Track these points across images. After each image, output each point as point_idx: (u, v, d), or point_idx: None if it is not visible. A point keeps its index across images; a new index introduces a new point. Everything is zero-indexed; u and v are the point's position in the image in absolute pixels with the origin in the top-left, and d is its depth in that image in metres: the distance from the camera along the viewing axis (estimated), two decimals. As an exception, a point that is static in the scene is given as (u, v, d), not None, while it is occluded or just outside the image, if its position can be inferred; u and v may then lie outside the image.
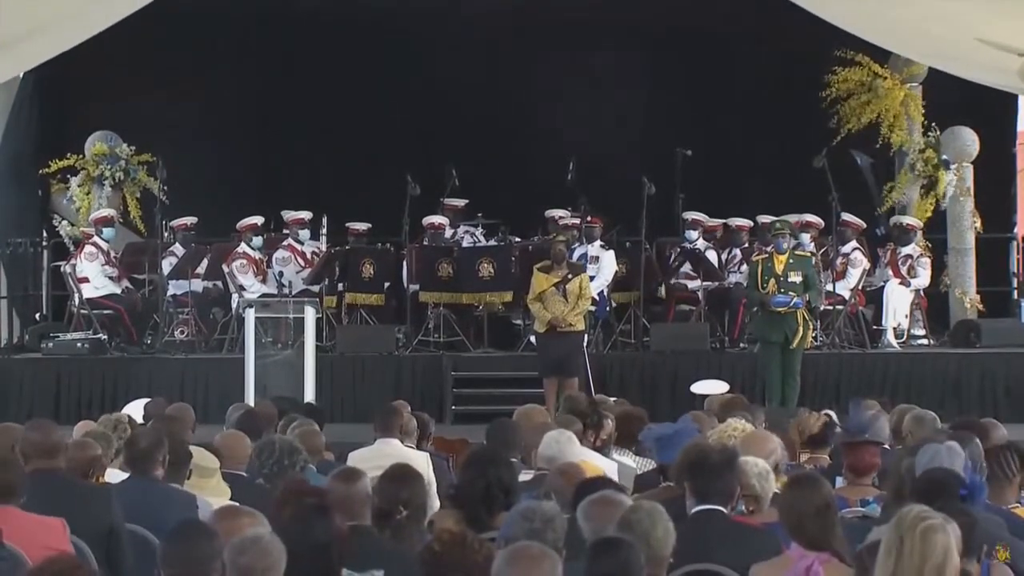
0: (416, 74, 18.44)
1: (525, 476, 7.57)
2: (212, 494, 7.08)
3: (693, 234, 16.78)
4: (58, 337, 16.14)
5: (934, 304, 17.10)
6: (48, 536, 6.20)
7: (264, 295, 15.94)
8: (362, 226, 17.09)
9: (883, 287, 16.53)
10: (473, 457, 7.13)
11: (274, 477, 7.64)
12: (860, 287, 16.40)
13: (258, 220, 16.72)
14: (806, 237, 15.95)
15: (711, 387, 13.48)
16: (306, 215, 16.80)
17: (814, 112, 17.40)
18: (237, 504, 6.39)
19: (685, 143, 16.73)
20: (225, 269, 16.52)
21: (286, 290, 15.96)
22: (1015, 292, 17.91)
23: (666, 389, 15.39)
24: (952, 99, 17.06)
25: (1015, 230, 18.12)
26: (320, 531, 5.42)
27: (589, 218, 16.37)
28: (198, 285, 16.79)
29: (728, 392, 12.70)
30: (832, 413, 9.64)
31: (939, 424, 8.78)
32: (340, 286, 16.64)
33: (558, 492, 6.62)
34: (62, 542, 6.23)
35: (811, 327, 14.84)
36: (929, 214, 17.20)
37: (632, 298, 16.42)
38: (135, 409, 10.31)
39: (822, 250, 16.40)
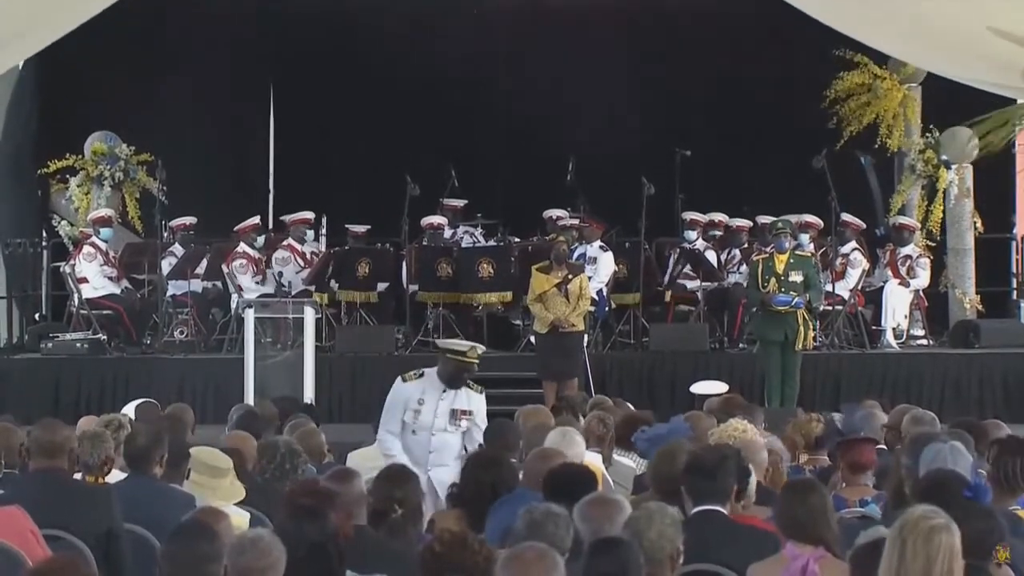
0: (415, 74, 18.44)
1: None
2: (224, 495, 7.05)
3: (692, 234, 16.79)
4: (57, 337, 16.13)
5: (933, 304, 17.10)
6: (10, 524, 6.20)
7: (263, 295, 15.94)
8: (361, 228, 17.09)
9: (882, 287, 16.52)
10: (476, 457, 7.15)
11: (275, 481, 7.63)
12: (859, 287, 16.41)
13: (255, 221, 16.72)
14: (805, 237, 15.95)
15: (710, 387, 13.47)
16: (310, 215, 16.81)
17: (814, 113, 17.39)
18: (215, 506, 6.39)
19: (685, 143, 16.74)
20: (225, 269, 16.51)
21: (285, 290, 15.96)
22: (1014, 292, 17.91)
23: (665, 389, 15.38)
24: (951, 100, 17.06)
25: (1014, 230, 18.12)
26: (315, 531, 5.42)
27: (589, 223, 16.35)
28: (197, 285, 16.78)
29: (727, 392, 12.69)
30: (827, 414, 9.63)
31: (938, 424, 8.77)
32: (335, 284, 16.58)
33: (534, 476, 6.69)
34: (27, 526, 6.24)
35: (811, 327, 14.84)
36: (941, 216, 17.18)
37: (634, 300, 16.40)
38: (132, 410, 10.30)
39: (821, 250, 16.39)
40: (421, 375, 9.48)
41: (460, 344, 9.73)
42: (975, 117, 17.11)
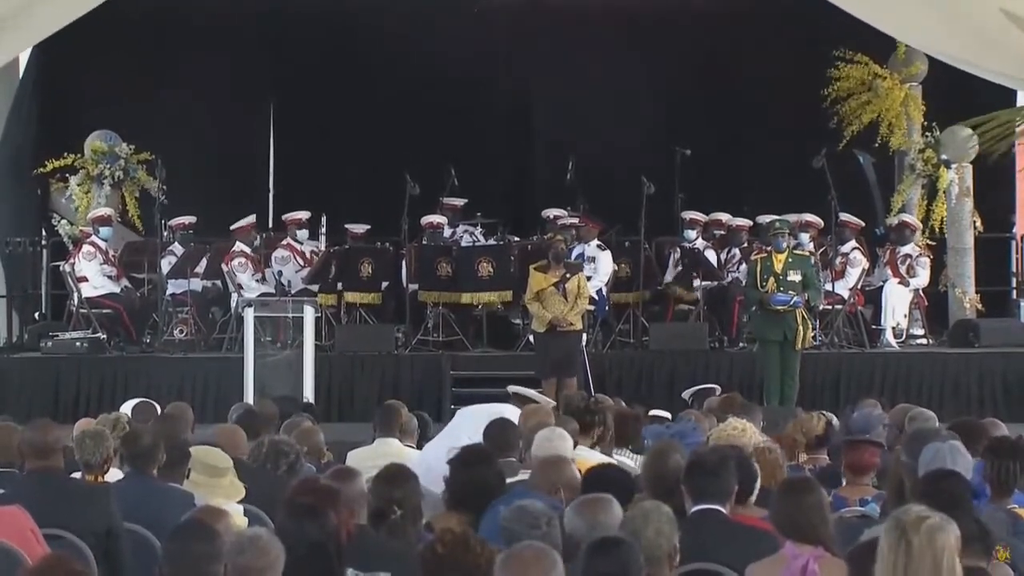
0: (415, 74, 18.44)
1: (524, 475, 7.54)
2: (224, 494, 7.05)
3: (692, 233, 16.79)
4: (57, 336, 16.12)
5: (933, 304, 17.09)
6: (11, 524, 6.20)
7: (263, 295, 15.94)
8: (360, 228, 17.08)
9: (882, 287, 16.52)
10: (461, 456, 7.11)
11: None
12: (859, 287, 16.40)
13: (251, 220, 16.71)
14: (805, 237, 15.96)
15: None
16: (304, 215, 16.80)
17: (814, 112, 17.39)
18: (214, 505, 6.40)
19: (684, 143, 16.73)
20: (224, 268, 16.51)
21: (285, 289, 15.95)
22: (1014, 292, 17.91)
23: (665, 389, 15.36)
24: (952, 99, 17.05)
25: (1014, 230, 18.12)
26: (315, 530, 5.42)
27: (585, 222, 16.34)
28: (197, 284, 16.78)
29: (722, 393, 12.67)
30: (827, 413, 9.63)
31: (936, 423, 8.77)
32: (339, 285, 16.60)
33: (543, 486, 6.66)
34: (28, 525, 6.24)
35: (810, 326, 14.84)
36: (943, 215, 17.16)
37: (636, 299, 16.40)
38: (129, 409, 10.30)
39: (821, 250, 16.40)
40: None
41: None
42: (975, 117, 17.10)
